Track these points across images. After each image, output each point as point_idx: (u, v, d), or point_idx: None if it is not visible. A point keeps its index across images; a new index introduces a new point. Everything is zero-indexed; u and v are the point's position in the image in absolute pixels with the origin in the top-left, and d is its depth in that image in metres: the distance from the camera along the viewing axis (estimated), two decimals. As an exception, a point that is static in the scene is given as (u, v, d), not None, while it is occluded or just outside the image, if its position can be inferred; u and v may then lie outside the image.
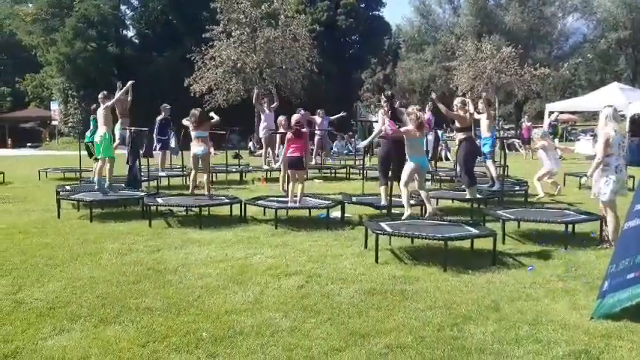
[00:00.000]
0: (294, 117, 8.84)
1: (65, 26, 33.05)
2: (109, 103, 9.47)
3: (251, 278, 5.39)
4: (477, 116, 10.22)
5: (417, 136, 6.82)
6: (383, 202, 8.40)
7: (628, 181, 7.31)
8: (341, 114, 16.45)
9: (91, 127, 11.43)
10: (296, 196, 8.41)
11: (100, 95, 9.63)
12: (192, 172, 9.16)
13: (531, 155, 20.09)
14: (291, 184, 8.57)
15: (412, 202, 7.12)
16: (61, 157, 22.18)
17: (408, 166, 6.79)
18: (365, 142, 9.87)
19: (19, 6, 38.05)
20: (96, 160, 10.97)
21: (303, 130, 8.98)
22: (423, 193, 6.91)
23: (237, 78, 25.94)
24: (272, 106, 14.89)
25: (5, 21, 42.39)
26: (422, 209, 7.71)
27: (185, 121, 9.33)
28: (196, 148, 8.91)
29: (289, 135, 8.85)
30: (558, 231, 7.12)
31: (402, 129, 6.93)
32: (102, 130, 9.36)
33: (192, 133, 8.97)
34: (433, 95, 10.35)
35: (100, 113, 9.47)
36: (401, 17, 77.16)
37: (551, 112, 24.52)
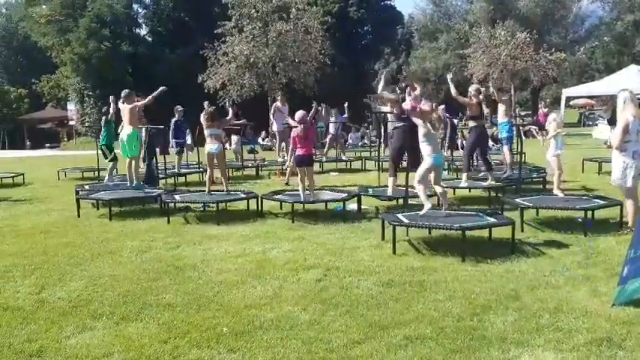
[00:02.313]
0: (298, 114, 8.75)
1: (79, 26, 33.38)
2: (139, 104, 9.53)
3: (269, 272, 5.41)
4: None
5: (432, 131, 6.61)
6: (389, 193, 8.45)
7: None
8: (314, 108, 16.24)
9: (102, 130, 11.46)
10: (309, 193, 8.43)
11: (122, 94, 9.67)
12: (208, 171, 9.11)
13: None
14: (301, 182, 8.51)
15: (428, 192, 7.02)
16: (80, 156, 22.42)
17: (424, 164, 6.62)
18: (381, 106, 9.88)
19: (33, 8, 38.35)
20: (113, 159, 11.11)
21: (308, 128, 8.86)
22: (438, 189, 6.78)
23: (250, 73, 25.91)
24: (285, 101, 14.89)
25: (20, 23, 42.85)
26: (438, 200, 7.67)
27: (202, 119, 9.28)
28: (210, 146, 8.87)
29: (295, 134, 8.80)
30: (578, 217, 7.04)
31: (421, 106, 6.76)
32: (129, 129, 9.44)
33: (206, 131, 8.97)
34: (449, 76, 10.24)
35: (126, 111, 9.51)
36: (413, 6, 76.63)
37: (569, 99, 24.15)
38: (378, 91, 8.85)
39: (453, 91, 9.50)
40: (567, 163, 10.09)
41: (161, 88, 9.67)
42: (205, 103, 14.88)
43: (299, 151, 8.55)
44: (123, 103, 9.65)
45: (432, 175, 6.74)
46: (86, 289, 5.09)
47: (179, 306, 4.56)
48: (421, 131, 6.64)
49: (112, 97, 11.30)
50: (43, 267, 5.84)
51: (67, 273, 5.61)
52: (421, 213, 6.46)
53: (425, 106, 6.90)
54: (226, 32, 26.29)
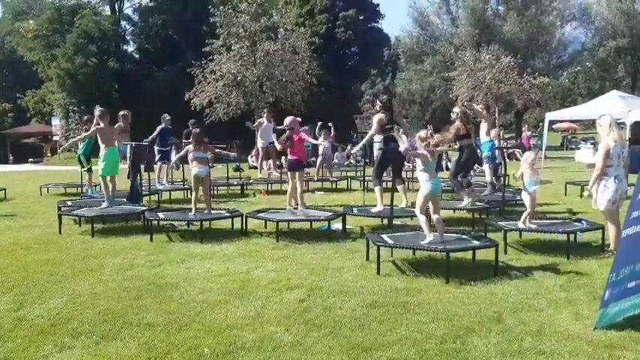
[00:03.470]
0: (287, 120, 8.87)
1: (66, 42, 33.29)
2: (113, 129, 9.48)
3: (252, 292, 5.37)
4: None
5: (430, 160, 6.39)
6: (378, 206, 8.47)
7: (629, 189, 7.29)
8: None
9: (84, 140, 11.40)
10: (296, 206, 8.45)
11: (97, 112, 9.59)
12: (194, 194, 8.85)
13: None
14: (290, 188, 8.60)
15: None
16: (63, 172, 22.22)
17: (423, 191, 6.32)
18: (358, 147, 9.92)
19: (20, 22, 38.24)
20: (88, 171, 11.02)
21: (295, 137, 8.90)
22: (436, 218, 6.39)
23: (237, 91, 26.04)
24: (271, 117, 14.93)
25: (6, 37, 42.66)
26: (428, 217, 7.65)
27: (186, 146, 9.06)
28: (196, 169, 8.63)
29: (281, 146, 8.92)
30: (560, 240, 7.10)
31: (419, 152, 6.52)
32: (104, 149, 9.36)
33: (191, 154, 8.76)
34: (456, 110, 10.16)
35: (103, 131, 9.42)
36: (399, 29, 77.57)
37: (552, 122, 24.52)
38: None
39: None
40: (551, 187, 10.23)
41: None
42: (190, 122, 14.86)
43: (289, 156, 8.66)
44: (98, 122, 9.53)
45: (430, 204, 6.43)
46: (66, 306, 5.00)
47: (160, 325, 4.50)
48: (420, 163, 6.42)
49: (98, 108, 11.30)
50: (23, 284, 5.74)
51: (47, 290, 5.52)
52: (423, 242, 6.20)
53: (431, 142, 6.54)
54: (214, 51, 26.43)
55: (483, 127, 10.71)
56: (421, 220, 6.34)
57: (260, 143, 14.85)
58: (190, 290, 5.47)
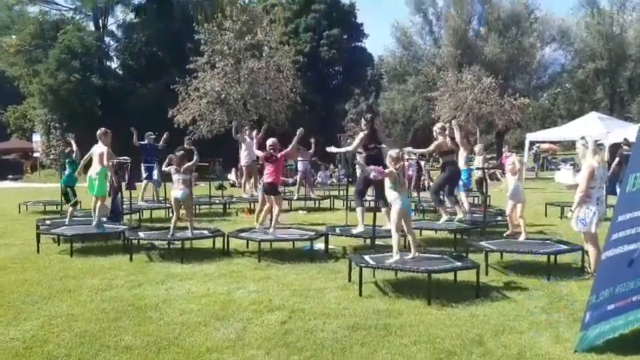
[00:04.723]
0: (269, 141, 8.90)
1: (49, 57, 33.01)
2: (105, 154, 9.28)
3: (233, 314, 5.32)
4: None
5: (398, 179, 6.46)
6: (359, 227, 8.48)
7: (608, 211, 7.38)
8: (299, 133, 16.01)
9: (67, 169, 10.93)
10: (267, 227, 8.45)
11: (98, 132, 9.33)
12: (174, 217, 8.54)
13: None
14: (259, 206, 8.59)
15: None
16: (43, 189, 21.92)
17: (395, 209, 6.42)
18: (334, 149, 9.83)
19: (3, 37, 37.87)
20: (74, 204, 10.52)
21: (276, 154, 8.89)
22: (410, 238, 6.55)
23: (221, 109, 25.99)
24: (253, 134, 14.84)
25: (-13, 52, 42.26)
26: (406, 242, 7.67)
27: (167, 167, 8.80)
28: (177, 191, 8.41)
29: (262, 158, 8.96)
30: (541, 262, 7.15)
31: (386, 171, 6.61)
32: (98, 167, 9.17)
33: (174, 176, 8.53)
34: (454, 122, 10.54)
35: (97, 152, 9.25)
36: (383, 48, 78.30)
37: (532, 143, 24.85)
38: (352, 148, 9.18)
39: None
40: (531, 208, 10.30)
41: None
42: (186, 138, 14.82)
43: (264, 179, 8.67)
44: (98, 141, 9.36)
45: (403, 223, 6.52)
46: (42, 328, 4.90)
47: (138, 348, 4.43)
48: (388, 182, 6.52)
49: (71, 136, 11.12)
50: (-3, 305, 5.63)
51: (23, 312, 5.41)
52: (389, 261, 6.28)
53: (390, 164, 6.62)
54: (198, 68, 26.41)
55: (462, 153, 10.74)
56: (394, 238, 6.39)
57: (243, 161, 14.79)
58: (170, 312, 5.40)
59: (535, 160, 30.66)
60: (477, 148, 12.54)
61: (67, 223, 9.68)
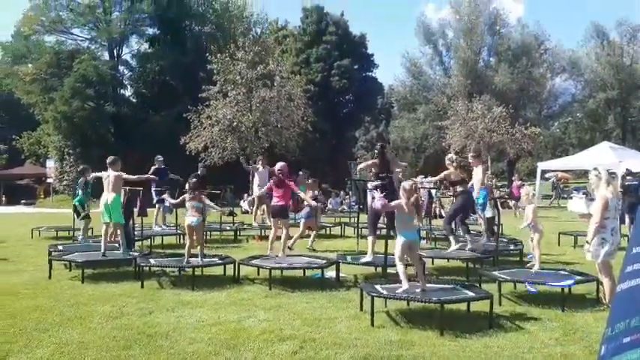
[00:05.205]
0: (278, 165, 9.01)
1: (64, 85, 33.56)
2: (126, 176, 9.38)
3: (244, 343, 5.28)
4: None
5: (406, 212, 6.42)
6: (368, 255, 8.47)
7: (622, 241, 7.31)
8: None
9: (80, 191, 11.16)
10: (276, 253, 8.47)
11: (108, 160, 9.45)
12: (188, 243, 8.65)
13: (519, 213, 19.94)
14: (272, 234, 8.60)
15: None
16: (55, 214, 22.07)
17: (399, 241, 6.42)
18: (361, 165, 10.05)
19: (19, 66, 38.60)
20: (85, 217, 10.79)
21: (285, 179, 8.98)
22: (417, 269, 6.51)
23: (232, 136, 26.21)
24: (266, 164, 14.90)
25: (4, 80, 42.99)
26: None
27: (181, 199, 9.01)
28: (190, 218, 8.52)
29: (271, 184, 9.03)
30: (555, 292, 7.06)
31: (393, 203, 6.63)
32: (112, 194, 9.25)
33: (188, 203, 8.66)
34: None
35: (112, 178, 9.31)
36: (393, 78, 79.01)
37: (544, 172, 24.75)
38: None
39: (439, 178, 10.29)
40: (544, 237, 10.17)
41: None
42: (200, 165, 14.98)
43: (273, 202, 8.74)
44: (108, 168, 9.47)
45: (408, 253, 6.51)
46: (53, 356, 4.89)
47: (149, 377, 4.40)
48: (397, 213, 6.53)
49: (90, 170, 11.47)
50: (9, 331, 5.63)
51: (34, 339, 5.40)
52: (399, 291, 6.24)
53: (403, 196, 6.60)
54: (211, 96, 26.74)
55: (476, 175, 10.72)
56: (398, 269, 6.37)
57: (257, 191, 14.83)
58: (180, 340, 5.37)
59: (553, 188, 30.20)
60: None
61: (80, 238, 9.82)
